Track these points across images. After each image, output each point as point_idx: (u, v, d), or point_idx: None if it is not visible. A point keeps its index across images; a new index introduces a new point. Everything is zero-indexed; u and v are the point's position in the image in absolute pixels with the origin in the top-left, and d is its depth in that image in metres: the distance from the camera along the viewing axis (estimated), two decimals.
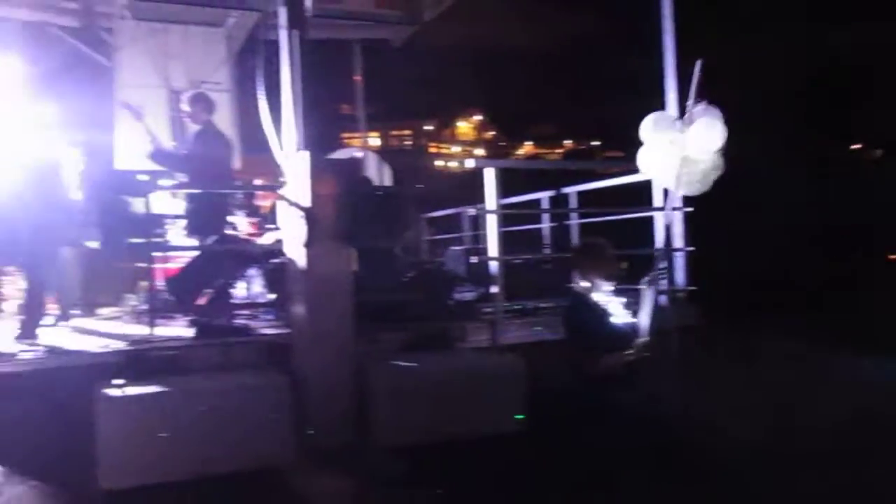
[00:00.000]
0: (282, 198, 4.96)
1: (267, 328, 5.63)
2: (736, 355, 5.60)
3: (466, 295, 6.60)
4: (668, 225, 4.87)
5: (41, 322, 5.39)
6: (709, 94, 4.12)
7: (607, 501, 3.82)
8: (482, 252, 5.83)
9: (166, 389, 3.95)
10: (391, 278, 5.92)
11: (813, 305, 10.29)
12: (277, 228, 6.44)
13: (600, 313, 4.34)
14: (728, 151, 4.17)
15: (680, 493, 3.73)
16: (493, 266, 5.46)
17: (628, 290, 4.50)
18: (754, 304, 9.51)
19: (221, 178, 6.18)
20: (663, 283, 4.64)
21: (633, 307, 4.34)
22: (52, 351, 4.80)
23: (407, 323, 5.26)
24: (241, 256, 6.15)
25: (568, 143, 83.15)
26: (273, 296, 6.46)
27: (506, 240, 5.57)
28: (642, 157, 4.35)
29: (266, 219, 7.14)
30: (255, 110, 5.24)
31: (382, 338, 5.00)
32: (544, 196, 8.31)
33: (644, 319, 4.12)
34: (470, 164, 5.52)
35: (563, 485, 3.96)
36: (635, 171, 4.66)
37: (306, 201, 4.48)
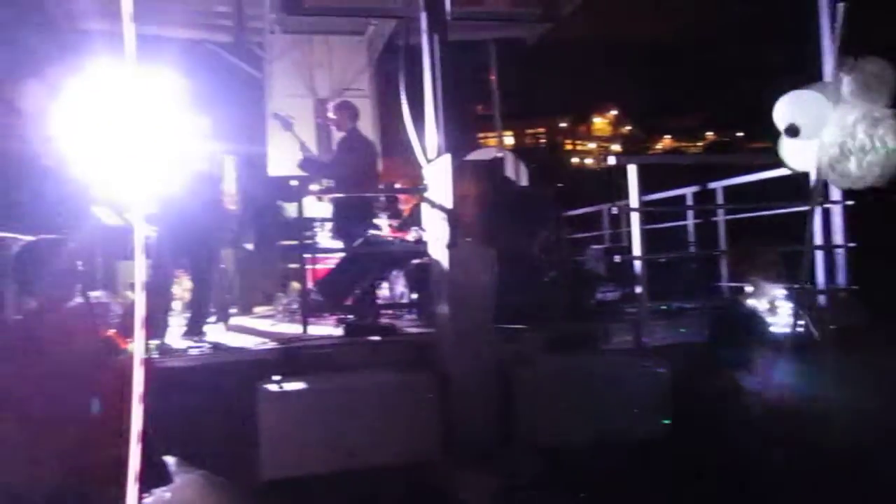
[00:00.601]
0: (424, 200, 5.05)
1: (411, 327, 5.76)
2: None
3: (608, 295, 6.48)
4: (825, 220, 4.55)
5: (205, 320, 5.78)
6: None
7: None
8: (623, 251, 5.70)
9: (321, 385, 4.13)
10: (532, 278, 5.89)
11: None
12: (418, 230, 6.60)
13: (755, 317, 4.14)
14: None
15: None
16: (637, 265, 5.32)
17: (783, 291, 4.26)
18: None
19: (367, 183, 6.39)
20: (820, 283, 4.37)
21: (789, 309, 4.11)
22: (216, 347, 5.11)
23: (549, 323, 5.22)
24: (385, 258, 6.33)
25: (709, 135, 79.63)
26: (415, 295, 6.61)
27: (648, 238, 5.42)
28: (786, 147, 4.05)
29: (407, 220, 7.32)
30: (394, 114, 5.36)
31: (525, 338, 4.99)
32: (688, 192, 8.01)
33: (800, 322, 3.88)
34: (611, 160, 5.39)
35: (709, 493, 3.79)
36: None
37: (449, 203, 4.54)
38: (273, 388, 3.98)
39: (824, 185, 4.76)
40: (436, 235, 4.77)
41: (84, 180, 5.96)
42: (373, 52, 9.69)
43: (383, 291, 7.06)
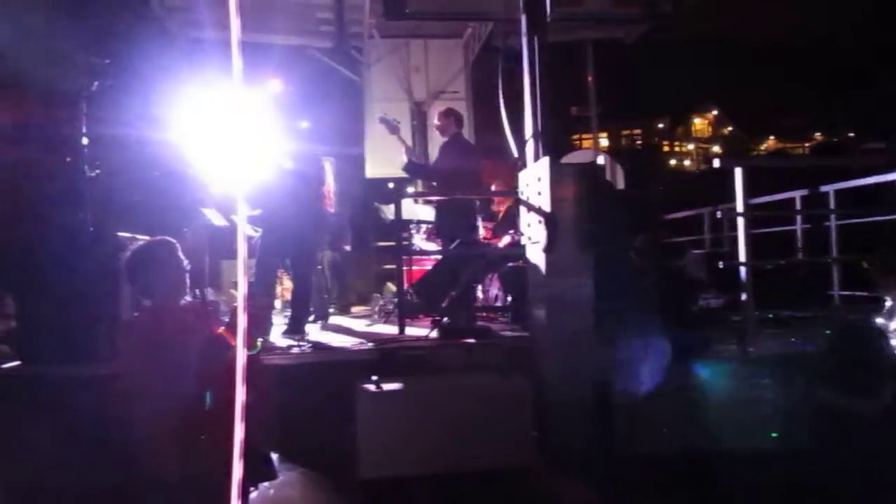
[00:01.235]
0: (521, 203, 5.01)
1: (506, 331, 5.73)
2: None
3: (711, 302, 6.25)
4: None
5: (306, 319, 5.92)
6: None
7: None
8: (724, 256, 5.49)
9: (417, 387, 4.15)
10: (630, 283, 5.76)
11: None
12: (513, 232, 6.57)
13: (881, 333, 3.89)
14: None
15: None
16: (742, 271, 5.10)
17: None
18: None
19: (469, 187, 6.44)
20: None
21: None
22: (316, 346, 5.21)
23: (648, 330, 5.08)
24: (481, 260, 6.33)
25: (817, 135, 75.90)
26: (510, 299, 6.58)
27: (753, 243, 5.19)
28: None
29: (501, 223, 7.30)
30: (489, 116, 5.35)
31: (623, 344, 4.87)
32: (796, 195, 7.64)
33: None
34: (716, 163, 5.21)
35: None
36: None
37: (547, 206, 4.49)
38: (371, 388, 4.03)
39: None
40: (533, 239, 4.73)
41: (195, 182, 6.26)
42: (469, 55, 9.74)
43: (478, 294, 7.05)
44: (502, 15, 6.12)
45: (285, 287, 7.08)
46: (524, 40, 4.91)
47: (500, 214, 7.53)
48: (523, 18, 4.91)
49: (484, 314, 6.75)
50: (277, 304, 6.79)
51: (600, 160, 9.32)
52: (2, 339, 6.28)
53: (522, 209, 5.02)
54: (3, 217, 4.48)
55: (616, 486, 3.96)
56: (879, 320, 4.00)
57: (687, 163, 78.17)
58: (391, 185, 10.36)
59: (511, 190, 5.72)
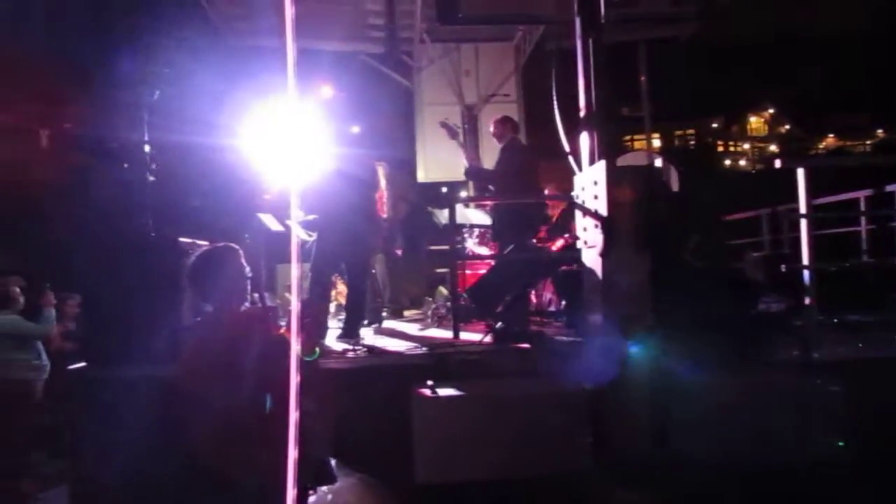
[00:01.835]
0: (576, 206, 4.96)
1: (561, 336, 5.67)
2: None
3: (771, 306, 6.09)
4: None
5: (361, 323, 5.96)
6: None
7: None
8: (785, 258, 5.34)
9: (472, 392, 4.13)
10: (688, 287, 5.65)
11: None
12: (567, 236, 6.51)
13: None
14: None
15: None
16: (805, 274, 4.96)
17: None
18: None
19: (528, 190, 6.44)
20: None
21: None
22: (370, 350, 5.23)
23: (707, 335, 4.97)
24: (535, 264, 6.29)
25: (880, 132, 73.38)
26: (563, 303, 6.52)
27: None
28: None
29: (555, 227, 7.24)
30: (540, 119, 5.32)
31: (680, 350, 4.78)
32: (860, 195, 7.39)
33: None
34: (778, 163, 5.08)
35: None
36: None
37: (603, 210, 4.43)
38: (427, 392, 4.03)
39: None
40: (588, 242, 4.67)
41: (252, 188, 6.38)
42: (520, 58, 9.71)
43: (531, 298, 7.01)
44: (555, 17, 6.10)
45: (339, 291, 7.14)
46: (579, 42, 4.87)
47: (554, 218, 7.47)
48: (578, 20, 4.86)
49: (537, 318, 6.71)
50: (332, 307, 6.85)
51: (657, 163, 9.19)
52: (67, 337, 6.51)
53: (578, 213, 4.97)
54: (71, 222, 4.64)
55: (672, 495, 3.89)
56: None
57: (742, 162, 76.39)
58: (444, 189, 10.39)
59: (566, 193, 5.67)
